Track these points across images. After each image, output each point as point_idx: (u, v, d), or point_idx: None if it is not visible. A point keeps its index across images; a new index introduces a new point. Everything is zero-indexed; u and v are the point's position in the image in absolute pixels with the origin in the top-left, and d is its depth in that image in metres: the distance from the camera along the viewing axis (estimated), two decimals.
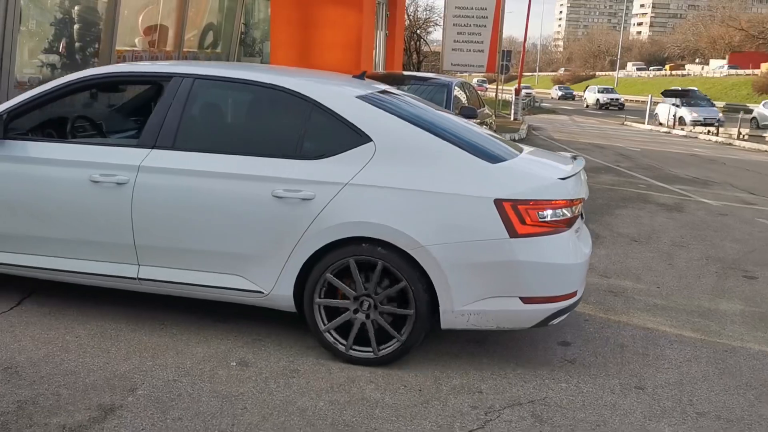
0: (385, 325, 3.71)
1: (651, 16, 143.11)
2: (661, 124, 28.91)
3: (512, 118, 23.78)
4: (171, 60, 9.86)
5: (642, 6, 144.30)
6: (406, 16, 28.38)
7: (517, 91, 25.02)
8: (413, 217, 3.60)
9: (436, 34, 48.08)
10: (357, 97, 3.98)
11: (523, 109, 26.52)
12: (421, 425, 3.19)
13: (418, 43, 37.84)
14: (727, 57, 67.63)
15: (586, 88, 55.15)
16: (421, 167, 3.70)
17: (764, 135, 22.12)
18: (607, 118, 34.73)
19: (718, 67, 66.38)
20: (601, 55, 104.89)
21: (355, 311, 3.73)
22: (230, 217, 3.81)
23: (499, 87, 28.12)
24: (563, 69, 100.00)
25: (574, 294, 3.76)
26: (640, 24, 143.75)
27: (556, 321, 3.76)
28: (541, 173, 3.93)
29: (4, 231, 4.13)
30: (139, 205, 3.89)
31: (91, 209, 3.98)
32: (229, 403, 3.28)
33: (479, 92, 12.38)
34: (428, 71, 27.24)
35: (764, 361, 4.17)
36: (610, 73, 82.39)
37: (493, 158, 3.83)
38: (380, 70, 16.44)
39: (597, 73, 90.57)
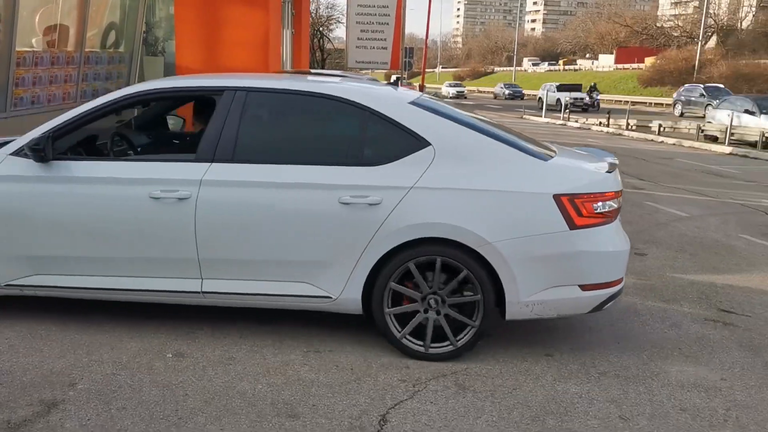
0: (457, 315, 3.88)
1: (544, 13, 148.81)
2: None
3: None
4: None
5: (535, 3, 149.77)
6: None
7: (421, 88, 25.58)
8: (479, 215, 3.77)
9: (338, 32, 48.22)
10: (409, 102, 4.10)
11: None
12: (355, 399, 3.44)
13: (321, 40, 37.96)
14: (614, 52, 71.28)
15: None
16: (480, 167, 3.87)
17: (650, 125, 23.65)
18: (505, 112, 36.01)
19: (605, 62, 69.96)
20: (499, 51, 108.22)
21: (425, 311, 3.88)
22: (296, 226, 3.86)
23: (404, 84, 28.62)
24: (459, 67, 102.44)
25: (621, 279, 4.03)
26: (533, 21, 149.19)
27: (607, 306, 4.01)
28: (589, 169, 4.10)
29: (61, 254, 4.02)
30: (202, 219, 3.88)
31: (152, 226, 3.93)
32: (171, 392, 3.42)
33: None
34: (333, 69, 27.42)
35: (653, 326, 4.67)
36: (508, 68, 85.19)
37: (542, 157, 4.04)
38: (288, 68, 16.51)
39: (495, 68, 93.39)
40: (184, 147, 4.74)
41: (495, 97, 57.32)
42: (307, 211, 3.85)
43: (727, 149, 18.19)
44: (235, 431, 3.10)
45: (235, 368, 3.73)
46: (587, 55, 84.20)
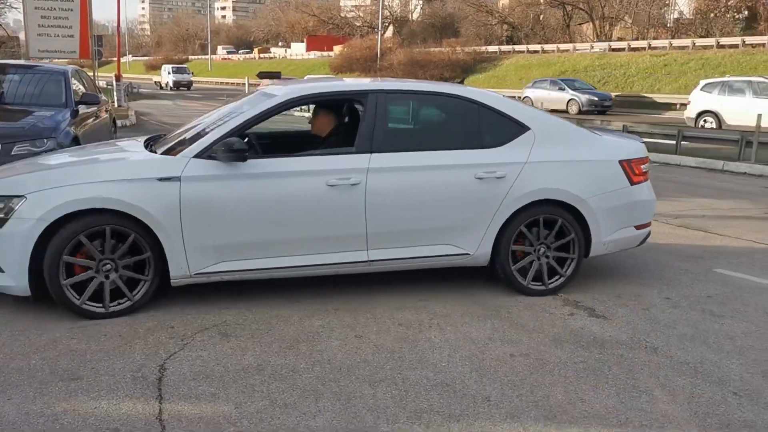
0: (554, 264, 5.11)
1: (233, 1, 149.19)
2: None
3: (117, 105, 23.38)
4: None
5: None
6: None
7: (118, 78, 24.62)
8: (574, 179, 5.04)
9: (11, 16, 43.39)
10: (505, 96, 5.34)
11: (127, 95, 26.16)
12: (131, 357, 3.82)
13: None
14: (305, 41, 74.64)
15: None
16: (567, 144, 5.16)
17: None
18: (210, 101, 36.00)
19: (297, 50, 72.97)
20: (191, 38, 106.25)
21: (538, 258, 5.08)
22: (443, 199, 4.82)
23: (96, 74, 27.16)
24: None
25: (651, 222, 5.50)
26: (223, 8, 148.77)
27: (646, 241, 5.52)
28: (631, 141, 5.55)
29: (244, 240, 4.52)
30: (371, 200, 4.67)
31: (328, 209, 4.63)
32: None
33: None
34: (10, 58, 24.94)
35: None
36: (203, 56, 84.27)
37: (599, 135, 5.44)
38: None
39: (190, 56, 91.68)
40: (333, 142, 5.22)
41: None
42: (451, 186, 4.84)
43: None
44: (22, 398, 3.31)
45: (2, 350, 3.84)
46: (280, 44, 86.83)
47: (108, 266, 4.36)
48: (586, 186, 5.07)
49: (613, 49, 41.98)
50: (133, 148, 5.13)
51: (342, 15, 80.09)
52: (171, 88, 48.77)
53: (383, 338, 4.23)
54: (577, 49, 44.12)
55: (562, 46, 45.87)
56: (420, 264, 4.97)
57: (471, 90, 5.31)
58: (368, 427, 3.19)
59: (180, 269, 4.46)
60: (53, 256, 4.21)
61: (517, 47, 49.36)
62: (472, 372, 3.79)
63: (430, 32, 61.62)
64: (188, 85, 49.90)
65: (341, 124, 5.47)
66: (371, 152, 4.76)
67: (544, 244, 5.10)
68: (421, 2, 75.14)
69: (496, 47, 50.72)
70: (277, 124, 5.49)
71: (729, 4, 44.34)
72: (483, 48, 50.33)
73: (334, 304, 4.81)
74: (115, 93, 24.28)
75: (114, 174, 4.42)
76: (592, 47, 43.58)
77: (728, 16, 44.11)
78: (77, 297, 4.32)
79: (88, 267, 4.34)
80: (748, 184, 11.15)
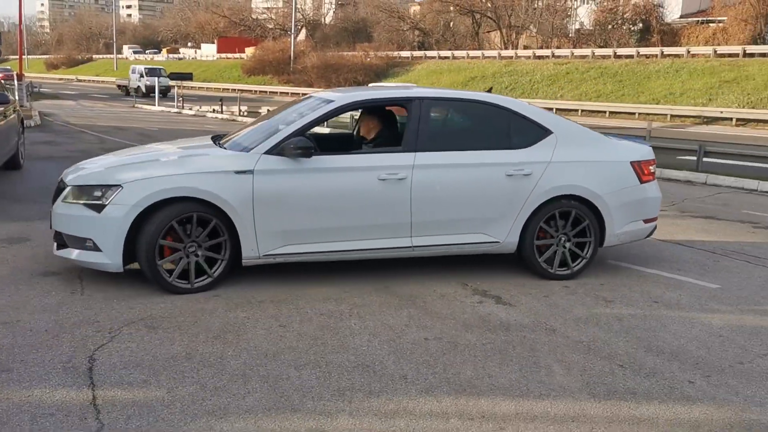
0: (575, 249, 5.74)
1: (139, 0, 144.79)
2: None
3: (19, 105, 22.43)
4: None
5: None
6: None
7: (20, 77, 23.65)
8: (591, 178, 5.66)
9: None
10: (528, 103, 5.98)
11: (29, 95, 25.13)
12: (60, 350, 3.92)
13: None
14: (216, 42, 73.45)
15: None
16: (585, 147, 5.81)
17: (260, 111, 25.69)
18: (116, 102, 35.05)
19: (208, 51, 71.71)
20: (95, 37, 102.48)
21: (557, 245, 5.70)
22: (478, 193, 5.45)
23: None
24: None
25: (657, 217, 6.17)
26: (129, 7, 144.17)
27: (652, 234, 6.20)
28: (641, 145, 6.22)
29: (306, 227, 5.14)
30: (415, 193, 5.29)
31: (379, 200, 5.25)
32: None
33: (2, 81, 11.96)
34: None
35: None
36: (108, 56, 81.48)
37: (611, 138, 6.22)
38: None
39: (94, 56, 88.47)
40: (378, 143, 5.88)
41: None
42: (485, 181, 5.47)
43: (326, 130, 20.96)
44: None
45: None
46: (189, 44, 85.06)
47: (193, 248, 4.99)
48: (601, 183, 5.71)
49: (520, 57, 43.64)
50: (206, 145, 5.84)
51: (254, 17, 79.32)
52: (143, 94, 38.38)
53: (306, 327, 4.48)
54: (486, 56, 45.60)
55: (472, 53, 47.28)
56: (456, 250, 5.61)
57: (501, 98, 5.97)
58: (295, 405, 3.44)
59: (251, 251, 5.10)
60: (150, 239, 4.84)
61: (429, 53, 50.51)
62: (390, 354, 4.10)
63: (343, 36, 62.06)
64: (165, 91, 37.45)
65: (385, 126, 6.04)
66: (416, 151, 5.39)
67: (565, 234, 5.73)
68: (333, 6, 75.50)
69: (409, 53, 51.71)
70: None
71: (625, 16, 46.89)
72: (396, 53, 51.19)
73: (258, 297, 5.02)
74: (17, 92, 23.30)
75: (198, 167, 5.08)
76: (500, 54, 45.14)
77: (624, 28, 46.60)
78: (168, 275, 4.95)
79: (177, 249, 4.98)
80: None
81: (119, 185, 4.88)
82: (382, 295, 5.19)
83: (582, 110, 32.97)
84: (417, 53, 51.30)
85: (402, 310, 4.88)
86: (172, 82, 36.88)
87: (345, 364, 3.93)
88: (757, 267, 6.33)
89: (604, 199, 5.69)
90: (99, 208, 4.85)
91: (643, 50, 38.71)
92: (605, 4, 47.87)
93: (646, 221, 6.01)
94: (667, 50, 37.37)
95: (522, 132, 5.69)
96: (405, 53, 51.43)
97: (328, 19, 74.72)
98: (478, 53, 46.81)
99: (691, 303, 5.27)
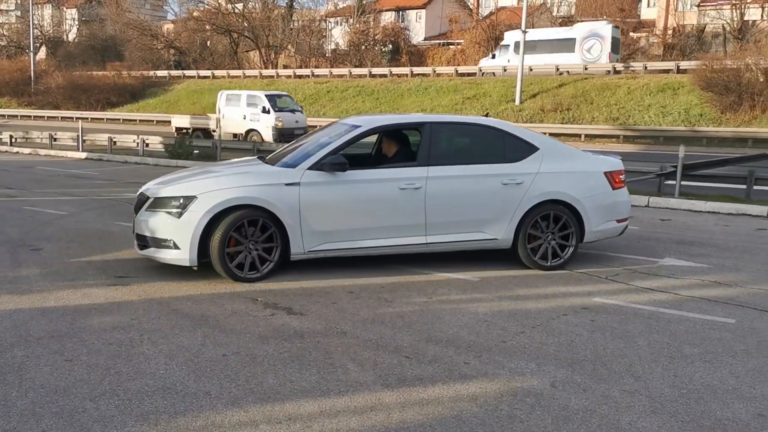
0: (562, 242, 6.83)
1: None
2: None
3: None
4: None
5: None
6: None
7: None
8: (572, 185, 6.79)
9: None
10: (515, 125, 7.22)
11: None
12: None
13: None
14: None
15: None
16: (566, 160, 6.95)
17: (1, 137, 23.22)
18: None
19: None
20: None
21: (546, 240, 6.79)
22: (478, 199, 6.59)
23: None
24: None
25: (629, 217, 7.30)
26: None
27: (624, 232, 7.34)
28: (612, 158, 7.34)
29: (341, 227, 6.31)
30: (429, 200, 6.43)
31: (399, 205, 6.39)
32: None
33: None
34: None
35: (73, 298, 5.58)
36: None
37: (587, 152, 7.42)
38: None
39: None
40: (397, 159, 6.94)
41: None
42: (484, 190, 6.62)
43: (83, 155, 19.65)
44: None
45: None
46: None
47: (251, 246, 6.15)
48: (580, 190, 6.84)
49: (281, 76, 44.39)
50: (257, 163, 7.07)
51: None
52: (274, 139, 22.39)
53: (96, 359, 4.31)
54: (248, 75, 45.66)
55: (233, 72, 47.04)
56: (462, 246, 6.75)
57: (496, 121, 7.35)
58: None
59: (298, 248, 6.25)
60: (222, 238, 5.99)
61: (188, 72, 49.25)
62: (190, 374, 4.11)
63: (90, 54, 58.01)
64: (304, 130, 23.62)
65: (402, 145, 7.20)
66: (428, 165, 6.54)
67: (551, 232, 6.79)
68: (76, 23, 70.44)
69: (166, 72, 50.00)
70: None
71: (376, 38, 49.90)
72: (152, 72, 49.21)
73: (35, 333, 4.70)
74: None
75: (257, 181, 6.26)
76: (262, 74, 45.50)
77: (376, 48, 49.58)
78: (236, 267, 6.11)
79: (240, 245, 6.11)
80: None
81: (195, 196, 6.04)
82: (173, 318, 5.13)
83: None
84: (175, 72, 49.75)
85: (196, 331, 4.88)
86: None
87: (144, 389, 3.87)
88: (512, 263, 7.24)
89: (582, 202, 6.82)
90: (178, 215, 6.02)
91: (395, 69, 41.49)
92: (357, 26, 50.47)
93: (618, 221, 7.16)
94: (416, 70, 40.44)
95: (514, 149, 6.84)
96: (162, 72, 49.62)
97: (71, 36, 69.47)
98: (239, 72, 46.69)
99: (459, 296, 5.92)
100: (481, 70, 38.00)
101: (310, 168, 6.28)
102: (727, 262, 7.29)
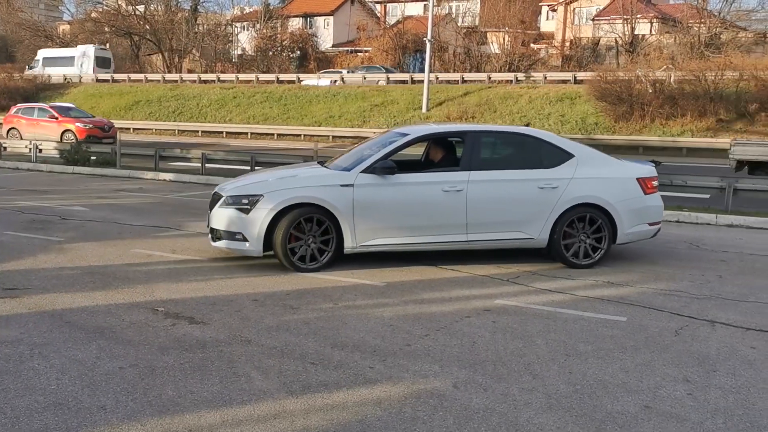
0: (594, 243, 7.30)
1: None
2: None
3: None
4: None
5: None
6: None
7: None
8: (604, 190, 7.28)
9: None
10: (553, 134, 7.73)
11: None
12: None
13: None
14: None
15: None
16: (600, 166, 7.47)
17: None
18: None
19: None
20: None
21: (579, 241, 7.29)
22: (516, 201, 7.14)
23: None
24: None
25: (661, 221, 7.74)
26: None
27: (657, 234, 7.80)
28: (645, 165, 7.84)
29: (390, 225, 6.99)
30: (470, 201, 7.05)
31: (442, 206, 7.06)
32: None
33: None
34: None
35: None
36: None
37: (620, 159, 7.93)
38: None
39: None
40: (443, 164, 7.66)
41: None
42: (521, 193, 7.15)
43: None
44: None
45: None
46: None
47: (310, 239, 6.85)
48: (613, 194, 7.31)
49: (185, 81, 43.29)
50: (316, 166, 7.87)
51: None
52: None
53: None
54: (150, 80, 44.28)
55: (134, 76, 45.48)
56: (500, 245, 7.31)
57: (535, 130, 7.93)
58: None
59: (351, 242, 6.89)
60: (285, 232, 6.73)
61: (85, 75, 47.20)
62: (84, 388, 3.94)
63: None
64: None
65: (447, 152, 7.83)
66: (470, 170, 7.14)
67: (585, 233, 7.28)
68: None
69: (62, 74, 47.69)
70: None
71: (284, 44, 49.50)
72: (47, 74, 46.81)
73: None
74: None
75: (316, 182, 7.02)
76: (165, 78, 44.23)
77: (284, 54, 49.20)
78: (298, 259, 6.83)
79: (300, 239, 6.83)
80: None
81: (261, 194, 6.81)
82: (66, 331, 4.91)
83: (251, 133, 33.99)
84: (70, 74, 47.54)
85: (90, 343, 4.68)
86: None
87: (34, 406, 3.68)
88: (417, 266, 7.34)
89: (614, 206, 7.28)
90: (247, 211, 6.78)
91: (303, 76, 41.27)
92: (264, 31, 49.93)
93: (650, 224, 7.61)
94: (303, 76, 40.13)
95: (550, 156, 7.37)
96: (57, 75, 47.33)
97: None
98: (140, 76, 45.17)
99: (365, 301, 5.95)
100: (388, 78, 38.38)
101: (363, 171, 6.96)
102: (618, 262, 7.67)
